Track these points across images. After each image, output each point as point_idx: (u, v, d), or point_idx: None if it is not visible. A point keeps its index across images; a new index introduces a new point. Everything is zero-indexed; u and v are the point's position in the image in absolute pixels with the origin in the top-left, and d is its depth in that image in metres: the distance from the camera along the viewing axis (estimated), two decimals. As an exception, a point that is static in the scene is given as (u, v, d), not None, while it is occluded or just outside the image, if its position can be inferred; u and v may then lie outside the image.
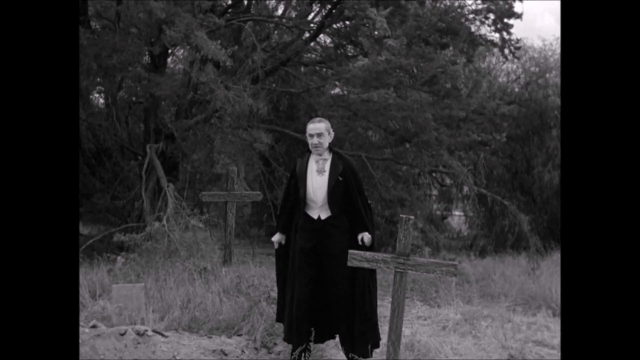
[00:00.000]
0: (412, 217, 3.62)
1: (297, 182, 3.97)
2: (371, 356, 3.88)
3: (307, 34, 9.92)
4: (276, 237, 4.13)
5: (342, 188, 3.87)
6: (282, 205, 4.21)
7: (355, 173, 3.99)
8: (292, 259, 4.01)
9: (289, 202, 4.08)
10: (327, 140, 3.93)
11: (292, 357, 3.87)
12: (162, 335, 4.05)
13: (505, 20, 9.60)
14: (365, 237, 3.84)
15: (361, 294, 3.88)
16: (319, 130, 3.90)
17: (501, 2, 9.46)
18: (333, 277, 3.88)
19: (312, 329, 3.82)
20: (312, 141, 3.92)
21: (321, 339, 3.97)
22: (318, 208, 3.90)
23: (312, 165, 3.94)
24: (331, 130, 4.00)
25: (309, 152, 4.00)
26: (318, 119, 4.07)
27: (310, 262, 3.91)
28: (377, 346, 3.97)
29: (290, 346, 3.99)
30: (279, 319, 4.20)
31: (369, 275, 3.92)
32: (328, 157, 3.94)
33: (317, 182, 3.89)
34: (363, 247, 3.81)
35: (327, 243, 3.89)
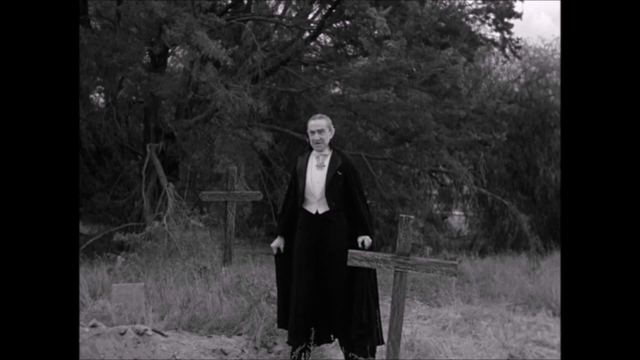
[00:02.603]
0: (412, 216, 3.62)
1: (297, 178, 3.99)
2: (372, 356, 3.87)
3: (307, 34, 9.92)
4: (275, 242, 4.10)
5: (340, 182, 3.88)
6: (282, 206, 4.21)
7: (354, 171, 4.00)
8: (293, 260, 4.01)
9: (289, 203, 4.08)
10: (328, 136, 3.95)
11: (292, 357, 3.87)
12: (162, 334, 4.05)
13: (506, 19, 9.61)
14: (366, 240, 3.83)
15: (359, 299, 3.86)
16: (320, 126, 3.93)
17: (501, 2, 9.47)
18: (332, 278, 3.88)
19: (312, 329, 3.82)
20: (313, 137, 3.94)
21: (319, 341, 3.96)
22: (316, 202, 3.90)
23: (312, 161, 3.97)
24: (332, 126, 4.02)
25: (310, 150, 4.02)
26: (319, 115, 4.08)
27: (309, 262, 3.90)
28: (374, 350, 3.95)
29: (290, 346, 4.00)
30: (281, 324, 4.18)
31: (368, 280, 3.89)
32: (328, 153, 3.97)
33: (316, 175, 3.91)
34: (363, 249, 3.81)
35: (326, 240, 3.88)
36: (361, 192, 3.99)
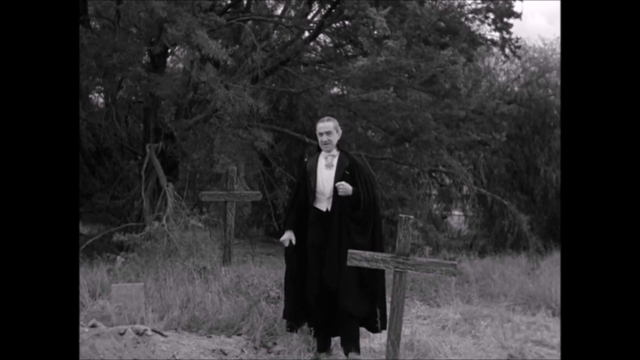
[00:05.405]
0: (411, 216, 3.65)
1: (309, 177, 4.19)
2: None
3: (306, 34, 9.91)
4: (285, 236, 4.23)
5: (348, 182, 4.05)
6: (290, 203, 4.36)
7: (361, 169, 4.20)
8: (307, 255, 4.15)
9: (298, 200, 4.25)
10: (335, 138, 4.19)
11: (318, 345, 4.08)
12: (162, 334, 4.05)
13: (505, 19, 9.60)
14: (344, 185, 3.95)
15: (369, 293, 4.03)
16: (328, 128, 4.18)
17: (501, 2, 9.46)
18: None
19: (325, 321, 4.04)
20: (321, 139, 4.19)
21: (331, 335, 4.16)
22: (326, 200, 4.11)
23: (322, 161, 4.20)
24: (339, 128, 4.26)
25: (319, 151, 4.25)
26: (327, 118, 4.32)
27: (319, 257, 4.05)
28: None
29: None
30: (289, 321, 4.29)
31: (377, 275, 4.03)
32: (336, 154, 4.20)
33: (326, 175, 4.13)
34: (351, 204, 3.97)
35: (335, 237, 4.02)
36: (370, 189, 4.12)
